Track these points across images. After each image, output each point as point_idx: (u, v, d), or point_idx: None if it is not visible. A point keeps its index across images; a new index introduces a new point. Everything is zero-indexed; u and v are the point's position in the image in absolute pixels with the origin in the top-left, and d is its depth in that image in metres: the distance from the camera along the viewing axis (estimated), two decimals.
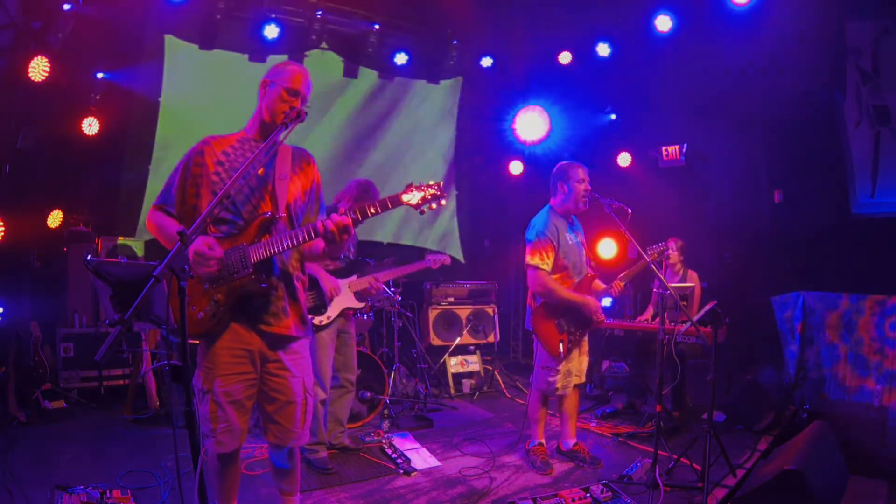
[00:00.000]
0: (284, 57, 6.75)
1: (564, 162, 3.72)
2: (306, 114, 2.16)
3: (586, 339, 3.82)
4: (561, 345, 3.52)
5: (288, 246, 2.08)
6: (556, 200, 3.71)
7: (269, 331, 2.16)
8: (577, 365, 3.74)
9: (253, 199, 2.19)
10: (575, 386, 3.77)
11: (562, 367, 3.60)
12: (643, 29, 6.40)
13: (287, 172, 2.25)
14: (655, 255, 3.59)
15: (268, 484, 3.22)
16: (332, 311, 3.63)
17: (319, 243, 2.20)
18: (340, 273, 3.74)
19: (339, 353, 3.77)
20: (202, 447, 1.98)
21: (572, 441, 3.85)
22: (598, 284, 3.71)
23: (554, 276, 3.55)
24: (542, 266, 3.49)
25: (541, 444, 3.77)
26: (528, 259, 3.54)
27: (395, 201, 2.05)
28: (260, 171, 2.20)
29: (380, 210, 2.04)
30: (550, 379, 3.60)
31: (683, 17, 6.15)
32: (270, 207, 2.18)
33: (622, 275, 3.68)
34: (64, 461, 3.67)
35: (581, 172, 3.62)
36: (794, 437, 3.43)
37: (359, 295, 3.79)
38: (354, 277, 3.80)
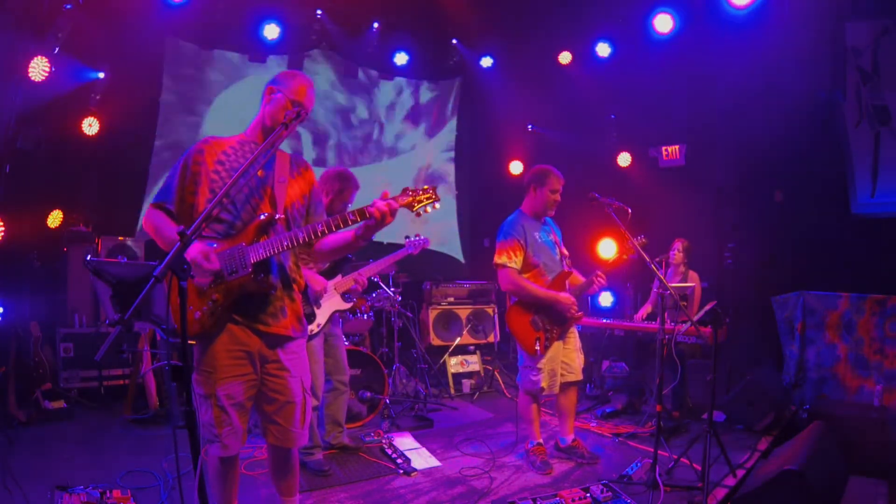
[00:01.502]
0: (284, 57, 6.77)
1: (544, 167, 3.74)
2: (307, 114, 2.21)
3: (576, 334, 3.82)
4: (537, 343, 3.53)
5: (287, 246, 2.09)
6: (526, 203, 3.77)
7: (267, 331, 2.17)
8: (570, 362, 3.73)
9: (252, 199, 2.20)
10: (571, 383, 3.77)
11: (544, 366, 3.57)
12: (643, 29, 6.41)
13: (286, 177, 2.28)
14: (634, 246, 3.50)
15: (268, 484, 3.21)
16: (321, 317, 3.59)
17: (328, 240, 2.22)
18: (324, 275, 3.66)
19: (329, 357, 3.71)
20: (202, 449, 1.98)
21: (570, 437, 3.85)
22: (576, 279, 3.73)
23: (526, 275, 3.60)
24: (509, 264, 3.55)
25: (539, 443, 3.76)
26: (496, 259, 3.60)
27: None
28: (259, 173, 2.22)
29: None
30: (534, 378, 3.59)
31: (683, 17, 6.16)
32: (270, 209, 2.19)
33: (601, 268, 3.66)
34: (64, 461, 3.67)
35: (556, 183, 3.67)
36: (794, 437, 3.43)
37: (345, 295, 3.75)
38: (339, 277, 3.74)
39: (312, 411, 3.52)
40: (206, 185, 2.16)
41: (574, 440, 3.84)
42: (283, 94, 2.23)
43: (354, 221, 2.09)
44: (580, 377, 3.83)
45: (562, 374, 3.70)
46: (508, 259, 3.56)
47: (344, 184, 3.62)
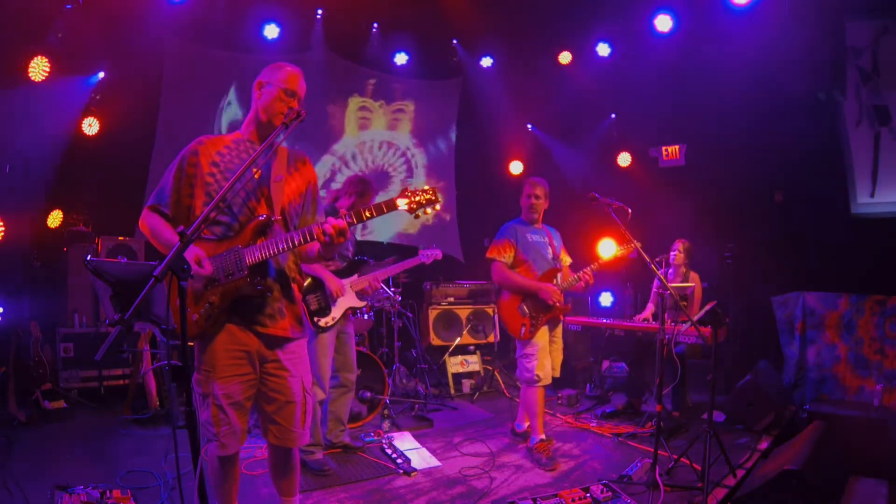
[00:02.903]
0: (284, 57, 6.77)
1: (529, 178, 4.15)
2: (306, 114, 2.15)
3: (561, 335, 4.05)
4: (523, 328, 3.84)
5: (283, 249, 2.08)
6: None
7: (265, 332, 2.16)
8: (553, 360, 3.97)
9: (249, 201, 2.18)
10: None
11: (537, 353, 3.80)
12: (643, 29, 6.41)
13: (283, 174, 2.25)
14: (631, 248, 3.67)
15: (268, 484, 3.21)
16: (337, 311, 3.64)
17: (315, 245, 2.21)
18: (341, 273, 3.75)
19: (339, 353, 3.77)
20: (202, 449, 1.97)
21: (526, 424, 4.14)
22: (567, 274, 3.98)
23: (517, 269, 3.96)
24: (499, 258, 3.96)
25: (543, 439, 3.80)
26: (487, 254, 4.02)
27: (391, 206, 2.11)
28: (256, 174, 2.20)
29: (375, 214, 2.09)
30: (528, 365, 3.84)
31: (683, 17, 6.16)
32: (266, 210, 2.17)
33: (593, 265, 3.90)
34: (64, 461, 3.67)
35: (529, 188, 4.07)
36: (794, 437, 3.43)
37: (359, 294, 3.81)
38: (355, 277, 3.82)
39: (318, 406, 3.56)
40: (201, 188, 2.14)
41: (541, 441, 3.84)
42: (273, 86, 2.21)
43: (315, 237, 2.07)
44: (558, 374, 4.07)
45: None
46: (498, 255, 3.96)
47: (365, 188, 3.79)
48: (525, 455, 3.88)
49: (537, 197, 4.06)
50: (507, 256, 3.95)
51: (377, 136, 7.65)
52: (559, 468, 3.63)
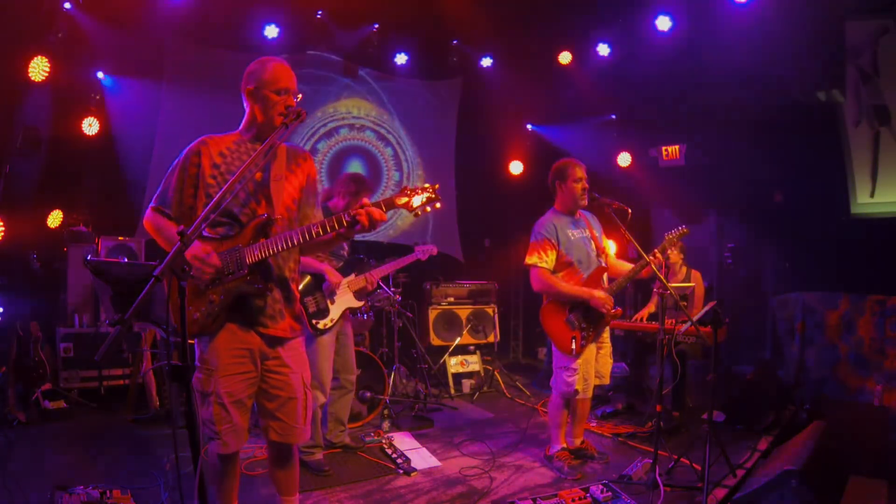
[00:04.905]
0: (284, 57, 6.75)
1: (562, 161, 3.70)
2: (307, 113, 2.16)
3: (608, 339, 3.74)
4: (573, 342, 3.43)
5: (283, 248, 2.09)
6: (557, 200, 3.70)
7: (266, 332, 2.17)
8: (601, 368, 3.67)
9: (250, 202, 2.18)
10: (596, 387, 3.70)
11: (579, 367, 3.48)
12: (643, 29, 6.41)
13: (282, 173, 2.25)
14: (674, 237, 3.50)
15: (268, 484, 3.21)
16: (335, 312, 3.63)
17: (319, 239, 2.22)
18: (338, 272, 3.74)
19: (339, 355, 3.76)
20: (203, 448, 1.98)
21: (579, 440, 3.82)
22: (620, 268, 3.64)
23: (560, 273, 3.53)
24: (539, 263, 3.49)
25: (564, 448, 3.66)
26: (527, 259, 3.55)
27: (390, 204, 2.12)
28: (257, 176, 2.20)
29: None
30: (569, 379, 3.48)
31: (683, 16, 6.16)
32: (267, 210, 2.18)
33: (658, 247, 3.52)
34: (64, 461, 3.67)
35: (578, 171, 3.60)
36: (794, 437, 3.43)
37: (357, 294, 3.80)
38: (352, 276, 3.81)
39: (319, 408, 3.56)
40: (203, 189, 2.15)
41: (583, 442, 3.82)
42: (264, 89, 2.20)
43: (349, 224, 2.09)
44: (608, 382, 3.76)
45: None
46: (539, 259, 3.50)
47: (359, 186, 3.69)
48: (524, 455, 3.88)
49: (585, 179, 3.58)
50: (549, 260, 3.48)
51: (376, 136, 7.65)
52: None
